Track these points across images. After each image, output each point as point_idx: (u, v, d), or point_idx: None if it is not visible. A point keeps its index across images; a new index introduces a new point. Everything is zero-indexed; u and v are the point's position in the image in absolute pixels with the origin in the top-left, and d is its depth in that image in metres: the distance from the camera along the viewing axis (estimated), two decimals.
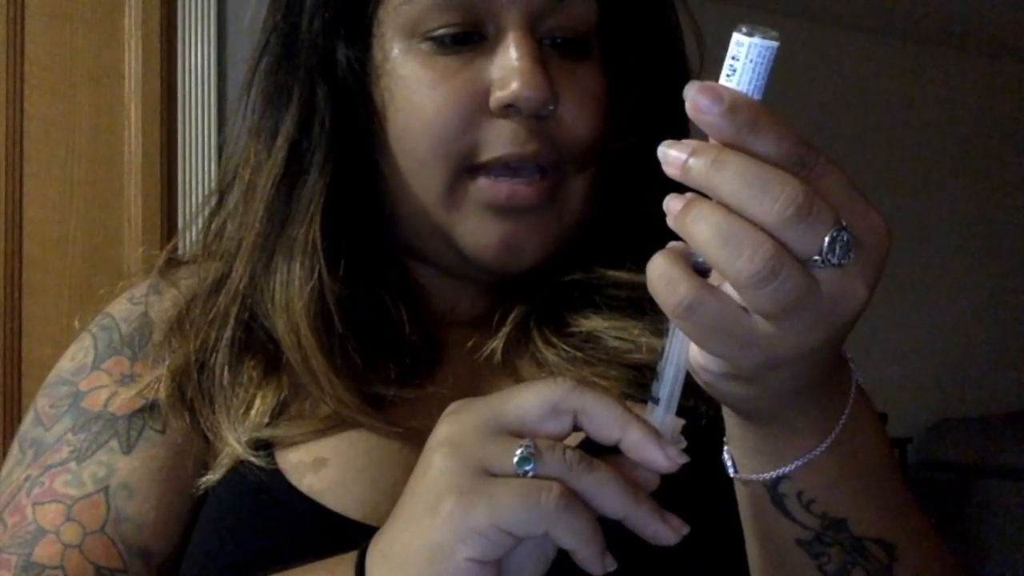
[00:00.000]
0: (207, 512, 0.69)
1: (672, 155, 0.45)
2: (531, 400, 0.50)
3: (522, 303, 0.74)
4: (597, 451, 0.50)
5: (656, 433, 0.49)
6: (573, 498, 0.48)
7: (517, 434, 0.49)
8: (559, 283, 0.74)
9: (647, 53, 0.76)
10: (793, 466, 0.52)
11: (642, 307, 0.71)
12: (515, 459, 0.48)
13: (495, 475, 0.48)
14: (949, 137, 4.14)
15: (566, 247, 0.74)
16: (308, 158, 0.72)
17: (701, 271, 0.46)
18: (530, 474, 0.48)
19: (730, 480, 0.56)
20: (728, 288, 0.45)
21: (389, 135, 0.72)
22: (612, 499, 0.48)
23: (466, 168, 0.70)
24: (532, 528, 0.47)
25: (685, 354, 0.50)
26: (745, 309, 0.45)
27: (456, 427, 0.50)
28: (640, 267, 0.70)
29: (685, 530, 0.49)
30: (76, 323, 0.79)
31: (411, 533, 0.49)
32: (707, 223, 0.44)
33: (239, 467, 0.68)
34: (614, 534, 0.49)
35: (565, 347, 0.71)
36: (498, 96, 0.69)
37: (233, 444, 0.69)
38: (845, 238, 0.43)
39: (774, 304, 0.44)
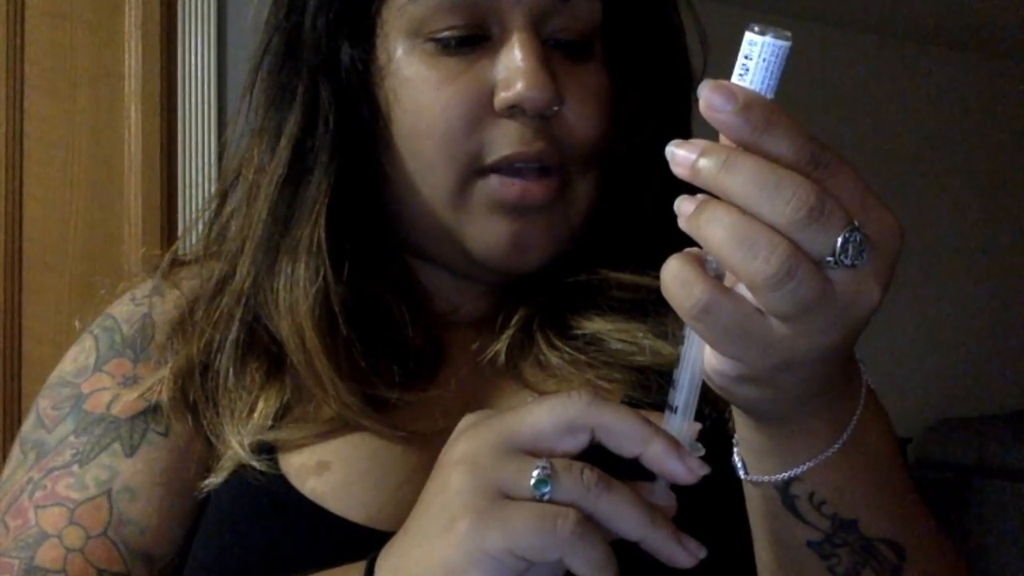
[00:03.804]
0: (209, 515, 0.69)
1: (681, 155, 0.45)
2: (546, 418, 0.49)
3: (526, 305, 0.74)
4: (607, 459, 0.50)
5: (677, 445, 0.49)
6: (588, 525, 0.47)
7: (533, 452, 0.49)
8: (563, 285, 0.74)
9: (650, 54, 0.75)
10: (805, 467, 0.52)
11: (645, 309, 0.71)
12: (532, 481, 0.47)
13: (512, 497, 0.48)
14: (949, 137, 4.14)
15: (571, 248, 0.73)
16: (312, 158, 0.72)
17: (714, 275, 0.46)
18: (547, 497, 0.47)
19: (737, 482, 0.56)
20: (742, 290, 0.45)
21: (394, 136, 0.71)
22: (629, 521, 0.48)
23: (474, 170, 0.70)
24: (546, 554, 0.47)
25: (701, 360, 0.49)
26: (760, 311, 0.45)
27: (472, 445, 0.50)
28: (643, 268, 0.70)
29: (702, 553, 0.49)
30: (77, 324, 0.79)
31: (423, 551, 0.49)
32: (721, 225, 0.44)
33: (241, 470, 0.68)
34: (625, 551, 0.49)
35: (568, 350, 0.71)
36: (503, 97, 0.68)
37: (236, 448, 0.68)
38: (858, 239, 0.43)
39: (790, 305, 0.44)
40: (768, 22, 0.45)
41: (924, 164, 4.06)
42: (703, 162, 0.44)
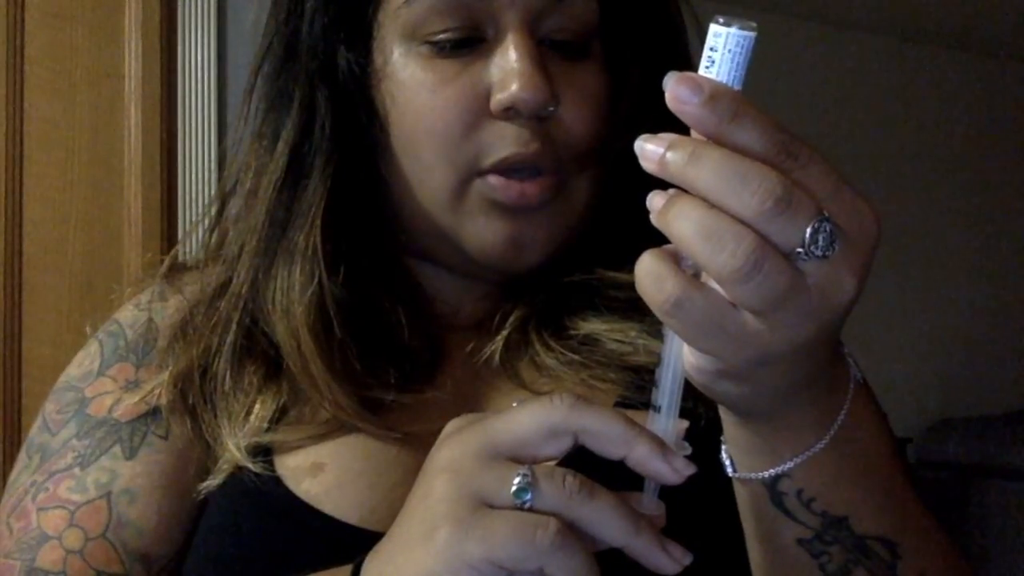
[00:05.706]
0: (207, 517, 0.70)
1: (649, 149, 0.45)
2: (528, 423, 0.49)
3: (521, 306, 0.74)
4: (592, 462, 0.49)
5: (662, 445, 0.48)
6: (569, 535, 0.46)
7: (516, 458, 0.48)
8: (560, 285, 0.74)
9: (650, 52, 0.75)
10: (791, 464, 0.51)
11: (641, 308, 0.71)
12: (512, 489, 0.47)
13: (493, 505, 0.47)
14: (949, 137, 4.14)
15: (569, 247, 0.73)
16: (309, 162, 0.72)
17: (691, 272, 0.45)
18: (527, 505, 0.47)
19: (730, 480, 0.55)
20: (715, 284, 0.45)
21: (391, 139, 0.72)
22: (612, 528, 0.47)
23: (473, 172, 0.70)
24: (526, 564, 0.46)
25: (682, 358, 0.49)
26: (733, 305, 0.44)
27: (455, 452, 0.49)
28: None
29: (687, 560, 0.48)
30: (88, 330, 0.79)
31: (405, 558, 0.48)
32: (688, 219, 0.43)
33: (238, 472, 0.68)
34: (611, 560, 0.48)
35: (563, 350, 0.71)
36: (498, 99, 0.68)
37: (232, 450, 0.69)
38: (827, 229, 0.43)
39: (760, 299, 0.43)
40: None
41: (923, 164, 4.06)
42: (670, 156, 0.44)
